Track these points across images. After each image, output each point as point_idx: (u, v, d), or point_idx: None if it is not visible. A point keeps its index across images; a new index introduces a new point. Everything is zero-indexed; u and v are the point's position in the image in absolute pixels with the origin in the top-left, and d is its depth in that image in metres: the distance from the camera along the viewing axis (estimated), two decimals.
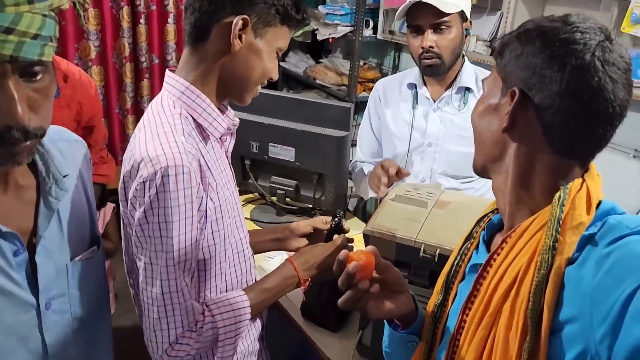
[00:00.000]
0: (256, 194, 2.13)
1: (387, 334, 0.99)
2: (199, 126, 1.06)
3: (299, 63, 3.84)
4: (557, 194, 0.72)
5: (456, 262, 0.89)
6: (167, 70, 1.09)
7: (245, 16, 1.00)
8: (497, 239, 0.87)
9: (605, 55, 0.69)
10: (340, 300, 0.85)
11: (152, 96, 3.34)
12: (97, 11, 3.10)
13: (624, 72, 0.70)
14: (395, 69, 3.54)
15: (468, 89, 1.77)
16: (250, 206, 2.11)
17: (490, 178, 0.85)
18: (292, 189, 1.93)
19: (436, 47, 1.66)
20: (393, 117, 1.89)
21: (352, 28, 3.31)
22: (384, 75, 3.62)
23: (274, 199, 1.99)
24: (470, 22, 1.74)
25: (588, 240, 0.69)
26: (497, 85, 0.79)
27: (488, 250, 0.86)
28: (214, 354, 1.11)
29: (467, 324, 0.80)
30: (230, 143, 1.18)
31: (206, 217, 1.04)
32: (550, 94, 0.71)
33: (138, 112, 3.37)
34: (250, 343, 1.22)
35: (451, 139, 1.79)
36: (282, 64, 3.87)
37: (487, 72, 1.84)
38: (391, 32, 3.30)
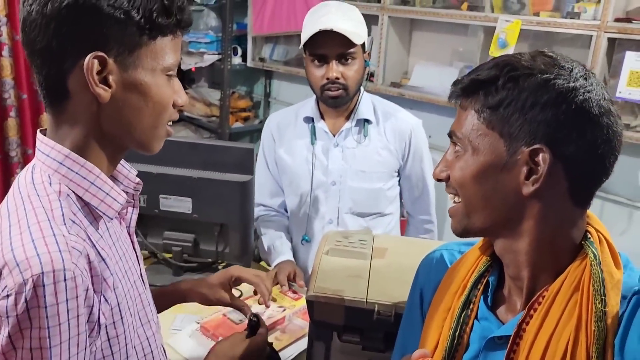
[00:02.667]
0: (146, 252, 1.85)
1: None
2: (86, 204, 0.81)
3: None
4: (590, 252, 0.69)
5: (457, 334, 0.80)
6: (38, 132, 0.82)
7: (99, 52, 0.74)
8: (505, 303, 0.80)
9: (606, 94, 0.69)
10: None
11: (22, 137, 2.88)
12: None
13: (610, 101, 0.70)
14: (267, 96, 3.43)
15: (367, 121, 1.71)
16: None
17: (492, 238, 0.77)
18: (189, 244, 1.70)
19: (342, 78, 1.58)
20: (291, 155, 1.77)
21: (219, 56, 3.14)
22: (255, 104, 3.50)
23: (169, 256, 1.74)
24: (369, 53, 1.69)
25: (631, 300, 0.68)
26: (490, 140, 0.71)
27: (497, 317, 0.79)
28: None
29: None
30: (132, 215, 0.94)
31: (99, 325, 0.79)
32: (579, 145, 0.67)
33: (5, 158, 2.89)
34: None
35: (354, 176, 1.71)
36: None
37: (386, 102, 1.83)
38: (262, 60, 3.20)
